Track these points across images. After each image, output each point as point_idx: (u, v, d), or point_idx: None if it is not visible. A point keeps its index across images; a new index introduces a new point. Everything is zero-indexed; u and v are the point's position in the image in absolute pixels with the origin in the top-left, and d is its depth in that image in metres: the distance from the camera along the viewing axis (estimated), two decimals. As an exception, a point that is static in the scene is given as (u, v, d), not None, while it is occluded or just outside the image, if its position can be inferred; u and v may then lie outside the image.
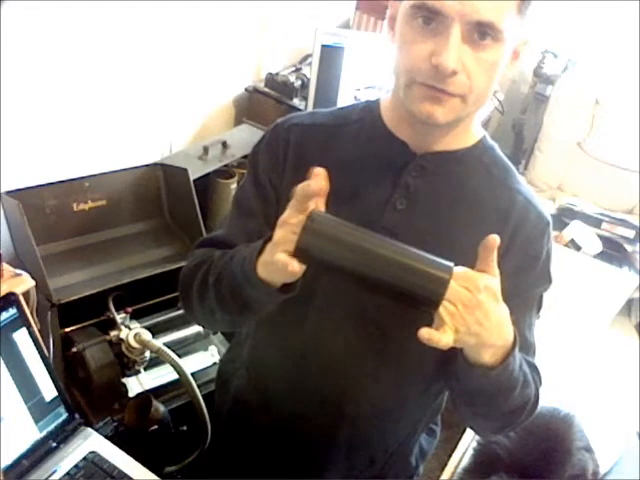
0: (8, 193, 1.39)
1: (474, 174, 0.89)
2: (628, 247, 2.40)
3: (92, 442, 1.10)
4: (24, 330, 1.05)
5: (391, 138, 0.88)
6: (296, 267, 0.70)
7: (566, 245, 2.36)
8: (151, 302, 1.57)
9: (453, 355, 0.81)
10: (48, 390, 1.08)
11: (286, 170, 0.91)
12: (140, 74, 1.76)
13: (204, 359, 1.57)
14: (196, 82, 2.00)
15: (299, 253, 0.70)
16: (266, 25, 2.22)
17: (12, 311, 1.03)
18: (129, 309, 1.50)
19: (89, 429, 1.12)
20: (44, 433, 1.06)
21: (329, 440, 1.03)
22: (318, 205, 0.72)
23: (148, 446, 1.27)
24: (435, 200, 0.88)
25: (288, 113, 1.00)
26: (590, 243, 2.37)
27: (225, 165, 1.88)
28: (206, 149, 1.85)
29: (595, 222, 2.45)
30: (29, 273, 1.24)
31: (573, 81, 2.61)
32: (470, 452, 1.55)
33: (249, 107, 2.26)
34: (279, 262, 0.70)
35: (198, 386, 1.34)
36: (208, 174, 1.82)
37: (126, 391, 1.43)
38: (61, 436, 1.09)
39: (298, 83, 2.20)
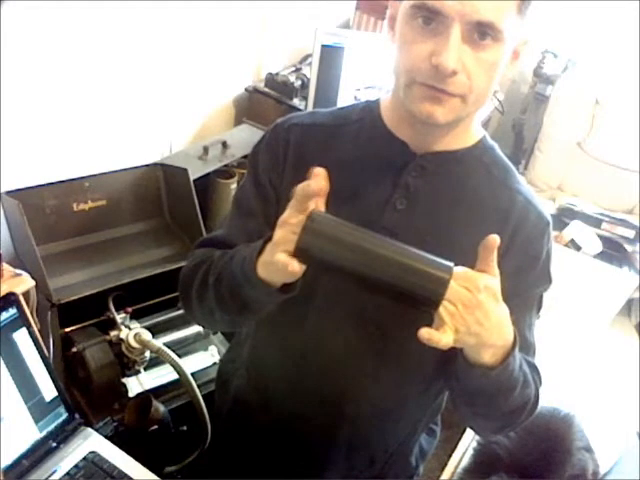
0: (8, 193, 1.39)
1: (474, 174, 0.89)
2: (628, 247, 2.40)
3: (92, 442, 1.10)
4: (24, 330, 1.05)
5: (391, 138, 0.88)
6: (296, 267, 0.70)
7: (566, 245, 2.36)
8: (151, 302, 1.57)
9: (453, 355, 0.81)
10: (48, 390, 1.08)
11: (286, 170, 0.91)
12: (140, 74, 1.76)
13: (204, 359, 1.57)
14: (196, 82, 2.00)
15: (299, 253, 0.70)
16: (266, 25, 2.22)
17: (12, 311, 1.03)
18: (129, 309, 1.50)
19: (89, 429, 1.12)
20: (44, 433, 1.06)
21: (329, 440, 1.03)
22: (318, 205, 0.72)
23: (148, 446, 1.27)
24: (435, 200, 0.88)
25: (288, 113, 1.00)
26: (590, 243, 2.37)
27: (225, 165, 1.88)
28: (206, 149, 1.85)
29: (595, 222, 2.45)
30: (29, 273, 1.24)
31: (573, 81, 2.61)
32: (470, 452, 1.55)
33: (249, 107, 2.26)
34: (279, 262, 0.70)
35: (198, 386, 1.34)
36: (208, 174, 1.82)
37: (126, 391, 1.43)
38: (61, 436, 1.09)
39: (298, 83, 2.20)
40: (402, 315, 0.77)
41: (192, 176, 1.62)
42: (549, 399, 1.25)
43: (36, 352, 1.06)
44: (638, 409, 1.73)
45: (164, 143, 1.98)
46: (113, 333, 1.44)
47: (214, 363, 1.56)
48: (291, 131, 0.92)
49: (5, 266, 1.21)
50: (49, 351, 1.24)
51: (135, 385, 1.44)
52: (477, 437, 1.55)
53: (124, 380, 1.43)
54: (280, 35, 2.31)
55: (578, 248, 2.35)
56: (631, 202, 2.59)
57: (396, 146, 0.87)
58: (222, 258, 0.88)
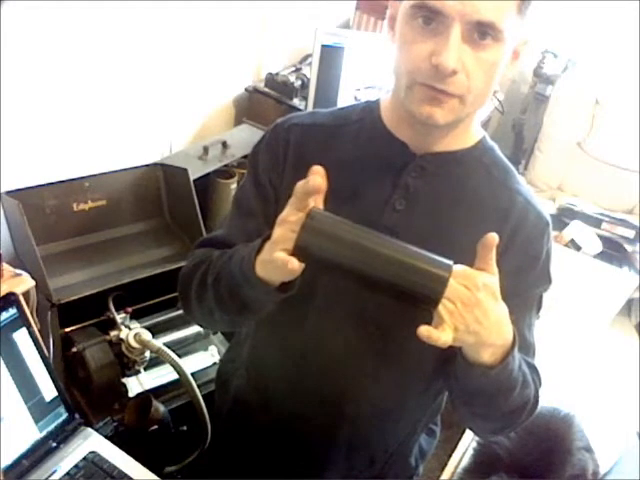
0: (8, 193, 1.39)
1: (474, 175, 0.89)
2: (628, 247, 2.40)
3: (92, 442, 1.10)
4: (24, 330, 1.05)
5: (391, 138, 0.88)
6: (295, 265, 0.70)
7: (566, 245, 2.36)
8: (151, 302, 1.57)
9: (452, 355, 0.81)
10: (48, 390, 1.08)
11: (286, 170, 0.91)
12: (140, 74, 1.76)
13: (204, 359, 1.57)
14: (196, 82, 2.00)
15: (298, 251, 0.70)
16: (266, 25, 2.22)
17: (12, 311, 1.03)
18: (129, 309, 1.50)
19: (89, 429, 1.12)
20: (44, 433, 1.06)
21: (329, 440, 1.03)
22: (317, 203, 0.72)
23: (148, 446, 1.27)
24: (435, 200, 0.88)
25: (288, 113, 1.00)
26: (590, 243, 2.37)
27: (225, 165, 1.88)
28: (206, 149, 1.85)
29: (595, 222, 2.45)
30: (29, 273, 1.24)
31: (573, 81, 2.61)
32: (470, 452, 1.55)
33: (249, 107, 2.26)
34: (278, 260, 0.70)
35: (198, 386, 1.34)
36: (208, 174, 1.82)
37: (126, 391, 1.43)
38: (61, 436, 1.09)
39: (298, 83, 2.20)
40: (402, 315, 0.77)
41: (192, 176, 1.62)
42: (549, 399, 1.25)
43: (36, 352, 1.07)
44: (638, 409, 1.73)
45: (164, 143, 1.98)
46: (113, 333, 1.44)
47: (214, 363, 1.56)
48: (291, 131, 0.92)
49: (5, 266, 1.21)
50: (49, 351, 1.25)
51: (135, 385, 1.44)
52: (477, 437, 1.54)
53: (124, 380, 1.43)
54: (280, 35, 2.31)
55: (578, 248, 2.35)
56: (631, 202, 2.59)
57: (396, 146, 0.87)
58: (221, 258, 0.88)
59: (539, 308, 0.96)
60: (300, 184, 0.70)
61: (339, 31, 2.18)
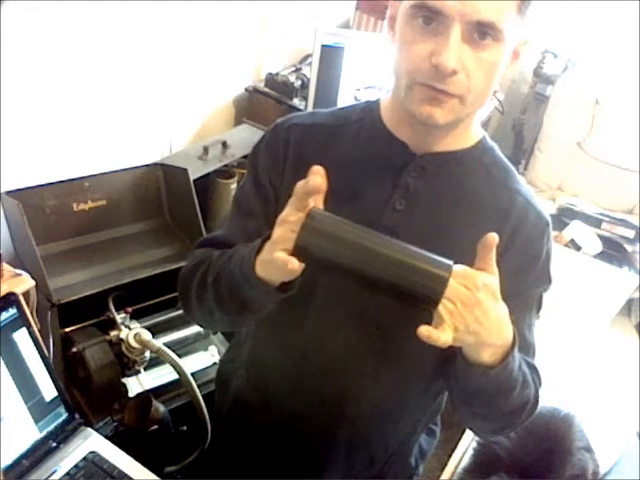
0: (8, 193, 1.39)
1: (474, 175, 0.89)
2: (628, 247, 2.40)
3: (92, 442, 1.10)
4: (24, 330, 1.05)
5: (391, 138, 0.88)
6: (295, 265, 0.70)
7: (566, 245, 2.36)
8: (151, 302, 1.57)
9: (453, 355, 0.81)
10: (48, 390, 1.08)
11: (286, 170, 0.91)
12: (140, 74, 1.76)
13: (204, 359, 1.57)
14: (196, 82, 2.00)
15: (298, 251, 0.70)
16: (266, 25, 2.22)
17: (12, 311, 1.03)
18: (129, 309, 1.50)
19: (89, 429, 1.12)
20: (44, 433, 1.06)
21: (329, 440, 1.03)
22: (317, 203, 0.72)
23: (148, 446, 1.27)
24: (435, 200, 0.88)
25: (288, 113, 1.00)
26: (590, 243, 2.37)
27: (225, 165, 1.88)
28: (206, 149, 1.85)
29: (595, 222, 2.45)
30: (29, 273, 1.24)
31: (573, 81, 2.61)
32: (470, 452, 1.55)
33: (249, 107, 2.26)
34: (278, 260, 0.70)
35: (198, 386, 1.34)
36: (208, 174, 1.82)
37: (126, 391, 1.43)
38: (61, 436, 1.09)
39: (298, 83, 2.20)
40: (402, 315, 0.77)
41: (192, 176, 1.62)
42: (549, 399, 1.25)
43: (36, 352, 1.06)
44: (638, 409, 1.73)
45: (164, 143, 1.98)
46: (113, 333, 1.44)
47: (214, 363, 1.56)
48: (291, 131, 0.92)
49: (5, 266, 1.21)
50: (49, 351, 1.24)
51: (135, 385, 1.44)
52: (477, 437, 1.54)
53: (124, 380, 1.43)
54: (280, 35, 2.31)
55: (578, 248, 2.35)
56: (631, 202, 2.59)
57: (396, 146, 0.87)
58: (221, 258, 0.88)
59: (539, 308, 0.96)
60: (300, 184, 0.70)
61: (339, 31, 2.18)
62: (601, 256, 2.35)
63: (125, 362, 1.45)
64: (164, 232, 1.71)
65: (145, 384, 1.45)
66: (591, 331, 2.03)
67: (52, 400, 1.08)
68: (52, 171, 1.53)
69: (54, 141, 1.59)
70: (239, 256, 0.81)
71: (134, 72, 1.74)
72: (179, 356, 1.38)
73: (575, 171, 2.66)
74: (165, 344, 1.41)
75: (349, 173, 0.88)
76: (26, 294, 1.20)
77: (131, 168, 1.64)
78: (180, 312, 1.56)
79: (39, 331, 1.10)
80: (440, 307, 0.70)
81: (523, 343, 0.87)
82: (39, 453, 1.05)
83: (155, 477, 1.07)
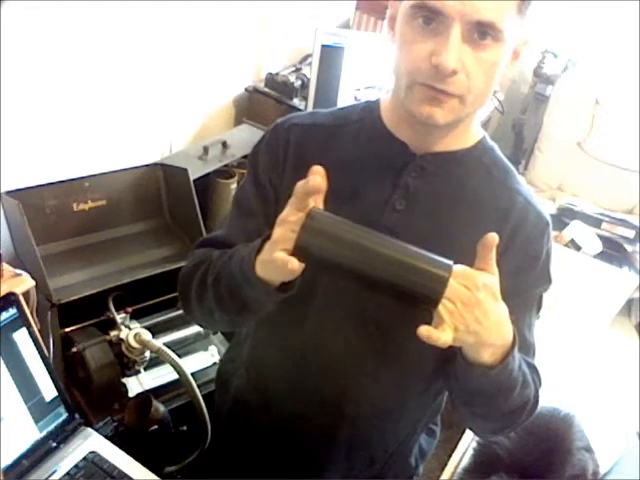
0: (8, 193, 1.39)
1: (474, 175, 0.89)
2: (628, 247, 2.40)
3: (92, 442, 1.10)
4: (24, 330, 1.05)
5: (391, 138, 0.88)
6: (295, 265, 0.70)
7: (566, 245, 2.36)
8: (151, 302, 1.57)
9: (452, 355, 0.81)
10: (48, 390, 1.08)
11: (286, 170, 0.91)
12: (140, 74, 1.76)
13: (204, 359, 1.57)
14: (196, 82, 2.00)
15: (298, 251, 0.70)
16: (266, 25, 2.22)
17: (12, 311, 1.03)
18: (129, 309, 1.50)
19: (89, 429, 1.12)
20: (44, 433, 1.06)
21: (329, 440, 1.03)
22: (317, 203, 0.72)
23: (148, 446, 1.27)
24: (435, 200, 0.88)
25: (288, 113, 1.00)
26: (590, 243, 2.37)
27: (225, 165, 1.88)
28: (206, 149, 1.85)
29: (595, 222, 2.45)
30: (29, 273, 1.24)
31: (573, 81, 2.61)
32: (470, 452, 1.55)
33: (249, 107, 2.26)
34: (278, 260, 0.70)
35: (198, 386, 1.34)
36: (208, 174, 1.82)
37: (126, 391, 1.43)
38: (61, 436, 1.09)
39: (298, 83, 2.20)
40: (402, 315, 0.77)
41: (192, 176, 1.62)
42: (549, 399, 1.25)
43: (36, 352, 1.06)
44: (638, 409, 1.73)
45: (164, 143, 1.98)
46: (113, 333, 1.44)
47: (214, 363, 1.56)
48: (291, 131, 0.92)
49: (5, 266, 1.21)
50: (49, 351, 1.24)
51: (135, 385, 1.44)
52: (477, 437, 1.54)
53: (124, 380, 1.43)
54: (280, 35, 2.31)
55: (578, 248, 2.35)
56: (631, 202, 2.59)
57: (396, 146, 0.87)
58: (221, 258, 0.88)
59: (539, 308, 0.96)
60: (300, 184, 0.70)
61: (339, 31, 2.18)
62: (601, 256, 2.35)
63: (125, 362, 1.45)
64: (164, 232, 1.71)
65: (145, 384, 1.45)
66: (591, 331, 2.03)
67: (52, 400, 1.08)
68: (52, 171, 1.53)
69: (54, 141, 1.59)
70: (239, 256, 0.81)
71: (134, 72, 1.74)
72: (179, 356, 1.38)
73: (575, 171, 2.67)
74: (165, 344, 1.41)
75: (349, 173, 0.88)
76: (26, 294, 1.19)
77: (131, 168, 1.64)
78: (180, 312, 1.56)
79: (39, 331, 1.10)
80: (440, 307, 0.70)
81: (523, 343, 0.87)
82: (39, 453, 1.05)
83: (155, 477, 1.07)
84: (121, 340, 1.42)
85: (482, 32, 0.73)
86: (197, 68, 1.97)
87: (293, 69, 2.32)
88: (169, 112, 1.93)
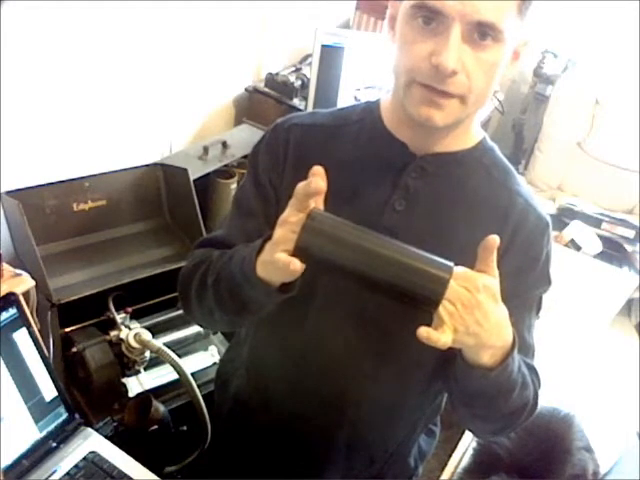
0: (8, 193, 1.39)
1: (474, 175, 0.89)
2: (628, 247, 2.40)
3: (92, 442, 1.10)
4: (24, 330, 1.05)
5: (391, 139, 0.88)
6: (297, 266, 0.70)
7: (566, 245, 2.36)
8: (151, 302, 1.57)
9: (452, 356, 0.81)
10: (48, 390, 1.08)
11: (286, 170, 0.91)
12: (140, 74, 1.76)
13: (204, 359, 1.57)
14: (196, 82, 2.00)
15: (299, 252, 0.70)
16: (266, 25, 2.22)
17: (12, 311, 1.03)
18: (129, 309, 1.50)
19: (89, 429, 1.12)
20: (44, 433, 1.06)
21: (329, 440, 1.03)
22: (317, 204, 0.72)
23: (148, 446, 1.27)
24: (435, 201, 0.88)
25: (288, 113, 1.00)
26: (590, 243, 2.37)
27: (225, 165, 1.88)
28: (206, 149, 1.85)
29: (595, 222, 2.45)
30: (29, 273, 1.24)
31: (573, 81, 2.61)
32: (470, 452, 1.55)
33: (249, 107, 2.26)
34: (279, 261, 0.71)
35: (198, 386, 1.34)
36: (208, 174, 1.82)
37: (126, 391, 1.43)
38: (61, 436, 1.09)
39: (298, 83, 2.20)
40: (402, 315, 0.77)
41: (192, 176, 1.62)
42: (549, 399, 1.25)
43: (36, 352, 1.06)
44: (638, 409, 1.73)
45: (164, 143, 1.98)
46: (113, 333, 1.44)
47: (214, 363, 1.56)
48: (291, 131, 0.92)
49: (5, 266, 1.21)
50: (49, 351, 1.24)
51: (135, 385, 1.44)
52: (477, 438, 1.55)
53: (124, 380, 1.43)
54: (280, 35, 2.31)
55: (578, 248, 2.35)
56: (631, 202, 2.59)
57: (396, 147, 0.87)
58: (221, 258, 0.88)
59: (539, 309, 0.96)
60: (301, 185, 0.70)
61: (339, 31, 2.18)
62: (601, 256, 2.35)
63: (125, 362, 1.45)
64: (164, 232, 1.71)
65: (145, 384, 1.45)
66: (591, 331, 2.03)
67: (52, 400, 1.08)
68: (52, 171, 1.53)
69: (54, 141, 1.59)
70: (239, 256, 0.81)
71: (134, 72, 1.74)
72: (179, 356, 1.38)
73: (575, 171, 2.67)
74: (165, 344, 1.41)
75: (349, 173, 0.88)
76: (26, 294, 1.19)
77: (131, 168, 1.64)
78: (180, 312, 1.56)
79: (39, 331, 1.10)
80: (440, 308, 0.70)
81: (523, 344, 0.87)
82: (39, 453, 1.05)
83: (155, 477, 1.07)
84: (121, 340, 1.42)
85: (482, 32, 0.73)
86: (197, 68, 1.97)
87: (293, 69, 2.32)
88: (169, 112, 1.93)
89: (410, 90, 0.78)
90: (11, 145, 1.45)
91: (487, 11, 0.72)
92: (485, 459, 1.49)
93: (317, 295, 0.90)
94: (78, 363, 1.41)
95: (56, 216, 1.51)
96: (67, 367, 1.43)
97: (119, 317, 1.46)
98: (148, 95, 1.82)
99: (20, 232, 1.41)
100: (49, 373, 1.08)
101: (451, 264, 0.70)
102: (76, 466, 1.05)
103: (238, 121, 2.27)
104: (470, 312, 0.71)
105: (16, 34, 1.37)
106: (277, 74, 2.22)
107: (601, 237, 2.41)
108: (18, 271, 1.23)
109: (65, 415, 1.10)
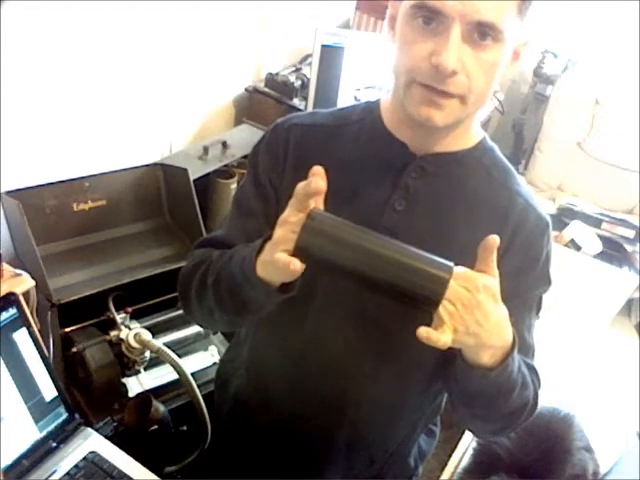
0: (8, 193, 1.39)
1: (474, 175, 0.89)
2: (628, 247, 2.40)
3: (92, 442, 1.10)
4: (24, 330, 1.05)
5: (391, 139, 0.88)
6: (297, 266, 0.70)
7: (566, 245, 2.36)
8: (151, 302, 1.57)
9: (452, 356, 0.81)
10: (48, 390, 1.08)
11: (286, 170, 0.91)
12: (140, 74, 1.76)
13: (204, 359, 1.57)
14: (196, 82, 2.00)
15: (299, 252, 0.70)
16: (266, 25, 2.22)
17: (12, 311, 1.03)
18: (129, 309, 1.50)
19: (89, 429, 1.12)
20: (44, 433, 1.06)
21: (329, 440, 1.03)
22: (317, 204, 0.72)
23: (148, 446, 1.27)
24: (435, 201, 0.88)
25: (288, 113, 1.00)
26: (590, 243, 2.37)
27: (225, 165, 1.88)
28: (206, 149, 1.85)
29: (595, 222, 2.45)
30: (29, 273, 1.24)
31: (573, 81, 2.61)
32: (470, 452, 1.55)
33: (249, 107, 2.26)
34: (279, 261, 0.71)
35: (198, 386, 1.34)
36: (208, 174, 1.82)
37: (126, 391, 1.43)
38: (61, 436, 1.09)
39: (298, 83, 2.20)
40: (402, 315, 0.77)
41: (192, 176, 1.62)
42: (549, 399, 1.25)
43: (36, 352, 1.07)
44: (638, 409, 1.73)
45: (164, 143, 1.98)
46: (113, 333, 1.44)
47: (214, 363, 1.56)
48: (291, 131, 0.92)
49: (5, 266, 1.21)
50: (49, 351, 1.24)
51: (135, 385, 1.44)
52: (477, 438, 1.55)
53: (124, 380, 1.43)
54: (280, 35, 2.31)
55: (578, 248, 2.35)
56: (631, 202, 2.59)
57: (396, 147, 0.87)
58: (221, 258, 0.88)
59: (539, 309, 0.96)
60: (301, 186, 0.70)
61: (339, 31, 2.18)
62: (601, 256, 2.35)
63: (125, 362, 1.45)
64: (164, 232, 1.71)
65: (145, 384, 1.45)
66: (591, 331, 2.03)
67: (52, 400, 1.08)
68: (52, 171, 1.53)
69: (54, 141, 1.59)
70: (239, 256, 0.81)
71: (134, 72, 1.74)
72: (179, 356, 1.38)
73: (575, 171, 2.67)
74: (165, 344, 1.41)
75: (349, 173, 0.88)
76: (26, 294, 1.20)
77: (131, 168, 1.64)
78: (180, 312, 1.56)
79: (39, 331, 1.10)
80: (440, 308, 0.70)
81: (523, 344, 0.87)
82: (39, 453, 1.05)
83: (155, 477, 1.07)
84: (121, 340, 1.42)
85: (482, 32, 0.73)
86: (197, 68, 1.97)
87: (293, 69, 2.32)
88: (169, 112, 1.93)
89: (410, 90, 0.78)
90: (11, 145, 1.45)
91: (487, 11, 0.72)
92: (485, 459, 1.49)
93: (317, 295, 0.90)
94: (78, 363, 1.41)
95: (56, 216, 1.51)
96: (67, 367, 1.43)
97: (119, 317, 1.46)
98: (148, 95, 1.82)
99: (20, 232, 1.41)
100: (49, 373, 1.08)
101: (451, 264, 0.70)
102: (76, 466, 1.05)
103: (238, 121, 2.27)
104: (470, 312, 0.71)
105: (16, 34, 1.38)
106: (277, 74, 2.22)
107: (601, 237, 2.41)
108: (18, 271, 1.23)
109: (65, 415, 1.10)
